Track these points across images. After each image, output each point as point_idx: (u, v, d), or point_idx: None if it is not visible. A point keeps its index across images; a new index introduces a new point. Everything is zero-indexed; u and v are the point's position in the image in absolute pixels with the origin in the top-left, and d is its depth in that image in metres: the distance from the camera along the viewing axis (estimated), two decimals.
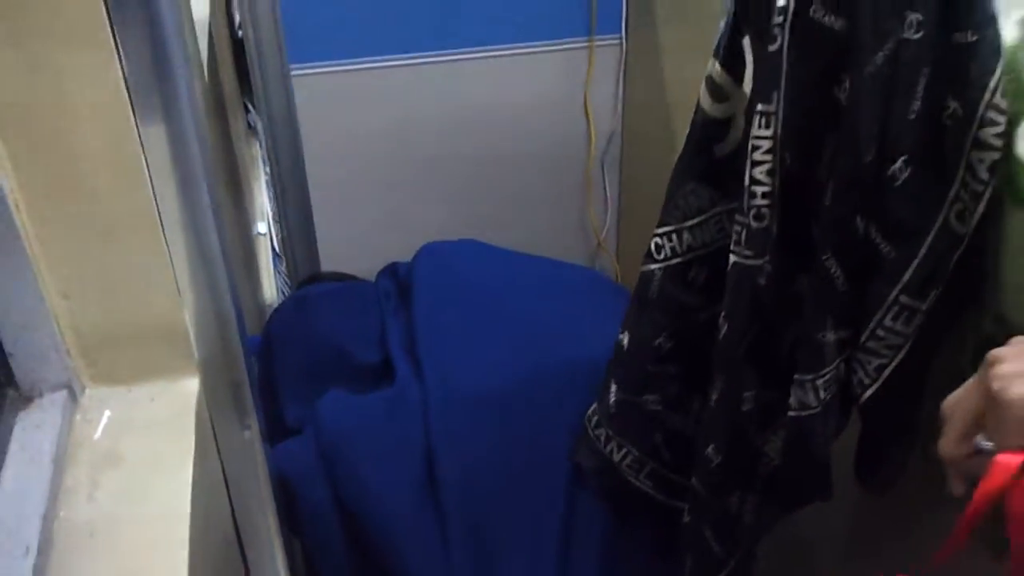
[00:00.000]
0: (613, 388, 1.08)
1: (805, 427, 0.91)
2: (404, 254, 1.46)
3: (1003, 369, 0.56)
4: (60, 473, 0.70)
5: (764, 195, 0.84)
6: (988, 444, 0.59)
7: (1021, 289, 0.74)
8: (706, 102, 0.91)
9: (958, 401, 0.61)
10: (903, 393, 0.88)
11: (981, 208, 0.73)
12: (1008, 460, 0.55)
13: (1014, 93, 0.71)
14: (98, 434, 0.75)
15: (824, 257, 0.83)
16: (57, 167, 0.70)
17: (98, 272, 0.74)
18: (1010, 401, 0.55)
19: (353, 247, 2.19)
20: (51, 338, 0.74)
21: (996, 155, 0.72)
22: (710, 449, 1.01)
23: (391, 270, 1.47)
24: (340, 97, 2.18)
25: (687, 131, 0.96)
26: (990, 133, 0.71)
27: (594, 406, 1.11)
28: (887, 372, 0.85)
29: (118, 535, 0.67)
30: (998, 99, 0.70)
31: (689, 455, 1.05)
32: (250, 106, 2.03)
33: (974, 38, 0.71)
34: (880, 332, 0.83)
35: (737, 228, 0.88)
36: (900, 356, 0.83)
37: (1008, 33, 0.71)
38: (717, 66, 0.89)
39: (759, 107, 0.82)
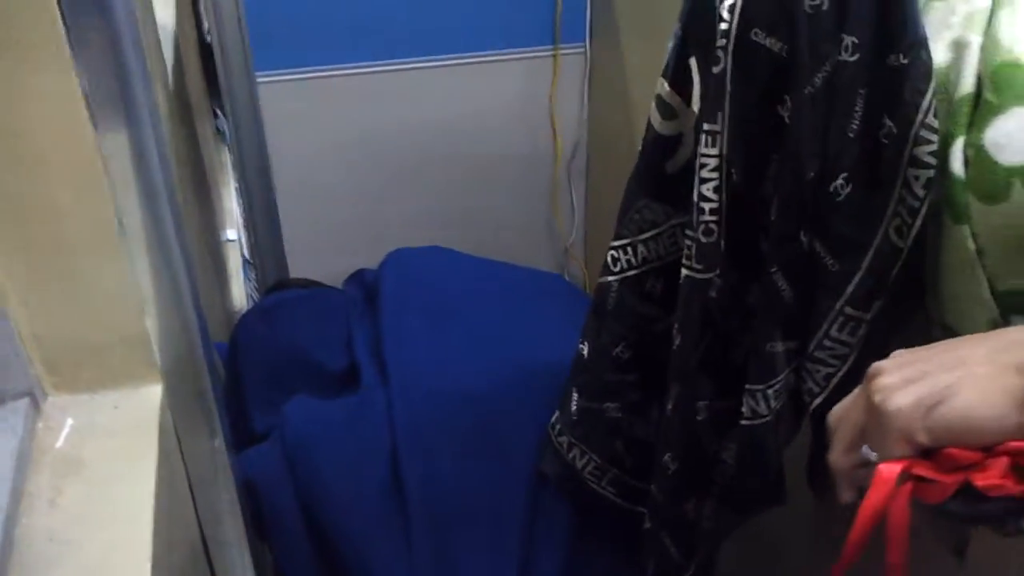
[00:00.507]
0: (575, 396, 1.10)
1: (757, 435, 0.93)
2: (372, 261, 1.47)
3: (883, 381, 0.58)
4: (22, 480, 0.70)
5: (712, 211, 0.86)
6: (873, 455, 0.60)
7: (960, 299, 0.76)
8: (656, 120, 0.93)
9: (844, 412, 0.63)
10: None
11: (918, 223, 0.76)
12: (889, 469, 0.57)
13: (946, 113, 0.72)
14: (60, 441, 0.76)
15: (772, 270, 0.85)
16: (13, 178, 0.70)
17: (58, 280, 0.75)
18: (890, 412, 0.56)
19: (321, 254, 2.20)
20: (11, 346, 0.74)
21: (930, 172, 0.74)
22: (667, 457, 1.02)
23: (358, 277, 1.48)
24: (307, 104, 2.18)
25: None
26: (924, 151, 0.73)
27: (556, 414, 1.13)
28: (835, 380, 0.87)
29: (80, 541, 0.67)
30: (930, 119, 0.72)
31: (650, 461, 1.07)
32: (219, 112, 2.03)
33: (905, 61, 0.73)
34: (827, 342, 0.85)
35: (688, 243, 0.90)
36: (847, 365, 0.85)
37: (940, 56, 0.73)
38: (666, 86, 0.91)
39: (705, 126, 0.84)
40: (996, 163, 0.68)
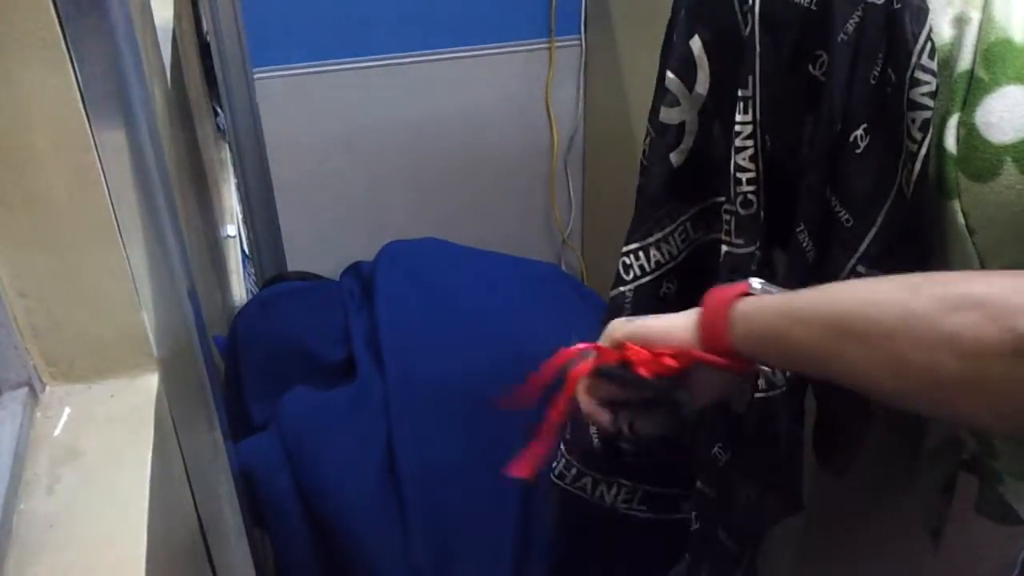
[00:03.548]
0: (592, 429, 1.06)
1: (771, 406, 0.91)
2: (369, 253, 1.48)
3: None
4: (20, 467, 0.72)
5: (749, 181, 0.84)
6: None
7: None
8: (658, 109, 0.92)
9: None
10: None
11: (918, 168, 0.74)
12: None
13: (946, 90, 0.72)
14: (58, 430, 0.77)
15: (799, 228, 0.83)
16: (10, 173, 0.72)
17: (55, 272, 0.76)
18: (607, 328, 0.78)
19: (319, 247, 2.21)
20: (9, 337, 0.76)
21: (927, 113, 0.73)
22: (716, 450, 1.00)
23: (355, 269, 1.49)
24: (304, 100, 2.19)
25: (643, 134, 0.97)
26: (919, 92, 0.73)
27: (561, 462, 1.10)
28: None
29: (77, 527, 0.69)
30: (925, 60, 0.72)
31: (677, 461, 1.04)
32: (219, 109, 2.04)
33: (898, 5, 0.73)
34: None
35: (726, 218, 0.88)
36: None
37: (943, 32, 0.73)
38: (668, 73, 0.90)
39: (739, 93, 0.82)
40: (987, 141, 0.69)
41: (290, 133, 2.18)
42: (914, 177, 0.75)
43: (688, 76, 0.89)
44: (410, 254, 1.44)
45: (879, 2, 0.74)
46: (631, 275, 0.99)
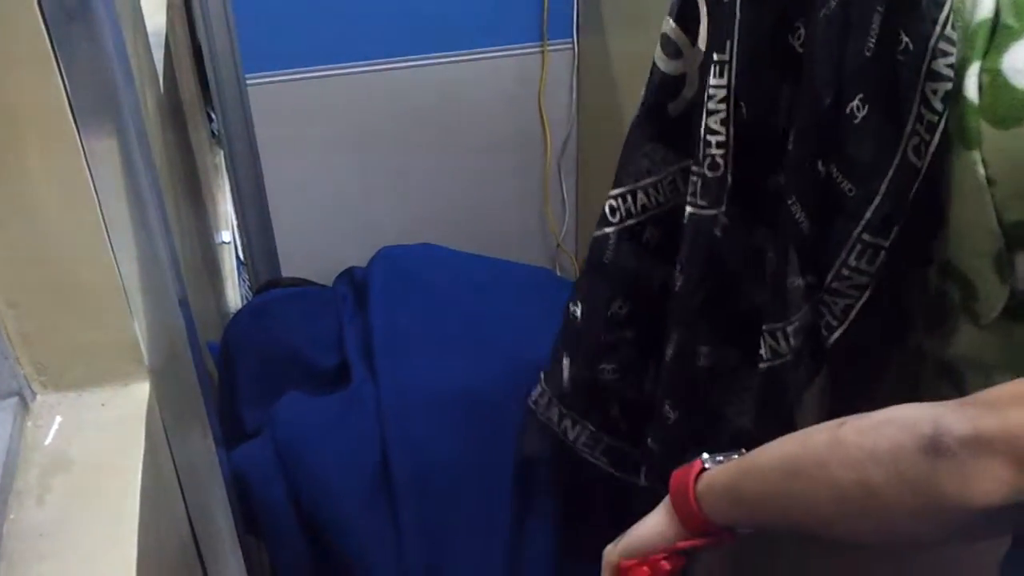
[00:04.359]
0: (566, 363, 1.07)
1: (778, 377, 0.91)
2: (363, 259, 1.48)
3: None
4: (11, 477, 0.72)
5: (719, 144, 0.84)
6: None
7: (968, 228, 0.76)
8: (660, 59, 0.91)
9: None
10: (871, 334, 0.89)
11: (936, 140, 0.74)
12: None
13: (961, 39, 0.71)
14: (49, 439, 0.77)
15: (789, 202, 0.83)
16: (0, 183, 0.71)
17: (45, 281, 0.76)
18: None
19: (313, 253, 2.21)
20: (0, 346, 0.76)
21: (948, 85, 0.72)
22: (666, 406, 1.00)
23: (348, 275, 1.49)
24: (297, 105, 2.19)
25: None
26: (942, 64, 0.72)
27: (538, 390, 1.12)
28: (854, 312, 0.86)
29: (68, 536, 0.69)
30: (948, 31, 0.71)
31: (645, 424, 1.04)
32: (213, 115, 2.04)
33: None
34: (845, 271, 0.84)
35: (693, 179, 0.88)
36: (866, 295, 0.84)
37: None
38: (671, 23, 0.89)
39: (714, 56, 0.82)
40: (1014, 87, 0.68)
41: (283, 138, 2.18)
42: (932, 148, 0.75)
43: (692, 29, 0.88)
44: (403, 259, 1.44)
45: None
46: (617, 217, 0.98)
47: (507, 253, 1.65)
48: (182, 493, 0.92)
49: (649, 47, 0.94)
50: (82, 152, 0.72)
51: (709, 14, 0.84)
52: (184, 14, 1.96)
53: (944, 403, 0.54)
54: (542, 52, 2.28)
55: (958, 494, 0.50)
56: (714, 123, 0.84)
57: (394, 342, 1.28)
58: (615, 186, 0.98)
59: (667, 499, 0.73)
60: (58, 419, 0.79)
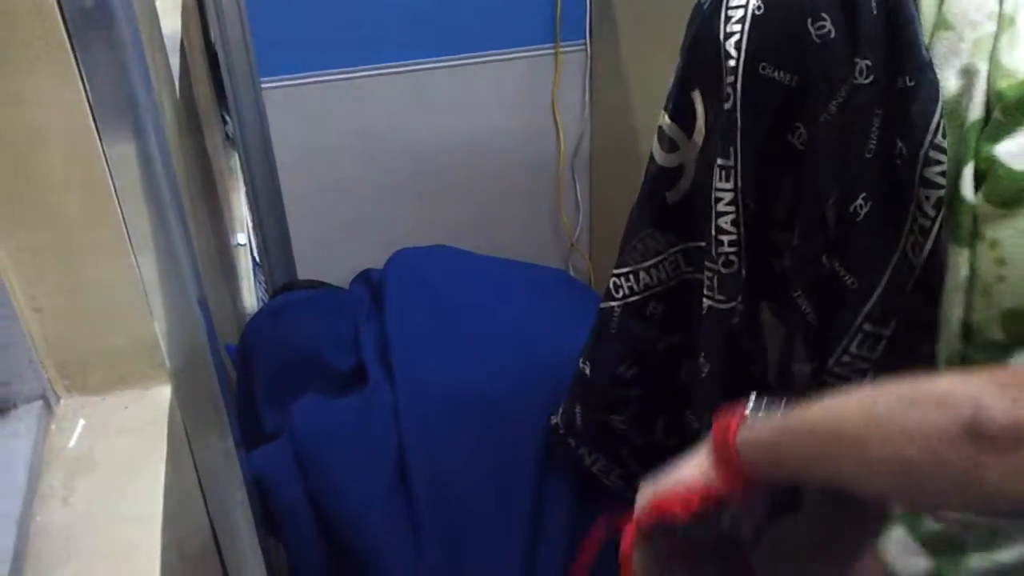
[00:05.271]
0: (578, 409, 1.11)
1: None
2: (378, 261, 1.49)
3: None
4: (35, 480, 0.73)
5: (731, 243, 0.87)
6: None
7: (952, 325, 0.77)
8: (658, 153, 0.94)
9: None
10: None
11: (930, 243, 0.76)
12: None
13: (957, 139, 0.73)
14: (73, 442, 0.78)
15: (796, 294, 0.86)
16: (23, 190, 0.72)
17: (68, 286, 0.77)
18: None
19: (328, 255, 2.22)
20: (24, 351, 0.76)
21: (940, 192, 0.74)
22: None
23: (364, 277, 1.50)
24: (312, 108, 2.21)
25: (650, 143, 0.97)
26: (934, 172, 0.74)
27: (557, 418, 1.15)
28: None
29: (92, 538, 0.70)
30: (939, 139, 0.73)
31: (656, 464, 1.07)
32: (228, 118, 2.05)
33: (912, 83, 0.73)
34: (846, 358, 0.86)
35: (708, 275, 0.91)
36: (866, 380, 0.86)
37: (950, 84, 0.73)
38: (667, 119, 0.91)
39: (719, 161, 0.84)
40: (1012, 169, 0.69)
41: (298, 141, 2.19)
42: (925, 252, 0.77)
43: (687, 124, 0.90)
44: (419, 261, 1.45)
45: (866, 82, 0.75)
46: (621, 293, 1.02)
47: (521, 254, 1.65)
48: (203, 495, 0.92)
49: (662, 48, 0.95)
50: (103, 157, 0.73)
51: (710, 123, 0.86)
52: (199, 17, 1.97)
53: (981, 377, 0.53)
54: (555, 54, 2.28)
55: (1001, 484, 0.50)
56: (725, 223, 0.87)
57: (410, 344, 1.29)
58: (618, 266, 1.02)
59: (705, 447, 0.73)
60: (81, 422, 0.80)
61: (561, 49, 2.27)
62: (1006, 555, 0.78)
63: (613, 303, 1.03)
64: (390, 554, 1.13)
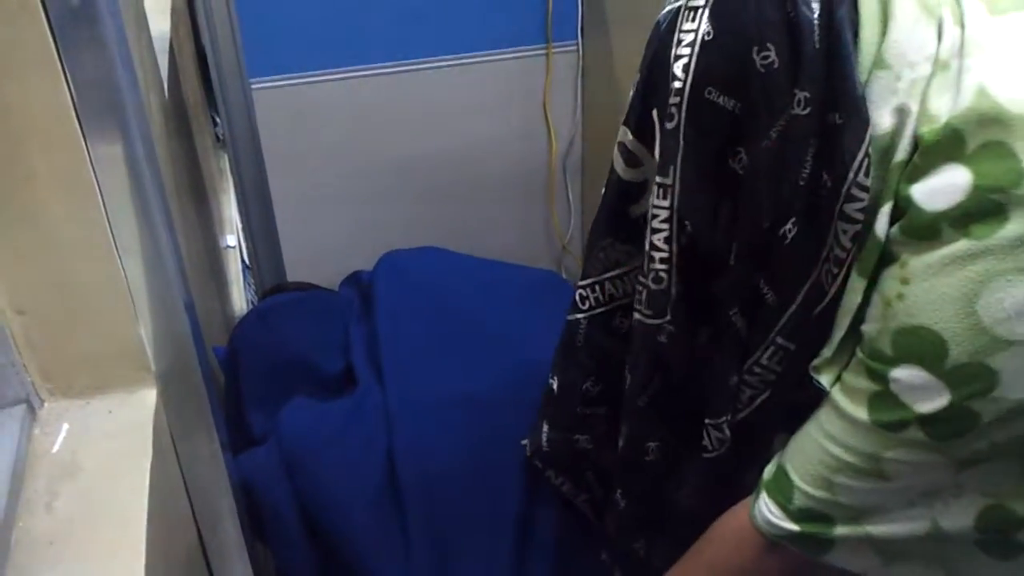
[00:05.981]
0: (545, 427, 1.11)
1: (723, 462, 0.95)
2: (368, 263, 1.48)
3: None
4: (18, 485, 0.72)
5: (662, 260, 0.87)
6: None
7: (834, 344, 0.81)
8: (619, 166, 0.93)
9: None
10: (764, 423, 0.93)
11: (843, 273, 0.79)
12: None
13: (883, 176, 0.75)
14: (56, 447, 0.77)
15: (731, 312, 0.87)
16: (6, 189, 0.71)
17: (52, 289, 0.76)
18: None
19: (318, 257, 2.21)
20: (7, 354, 0.75)
21: (857, 227, 0.76)
22: (618, 494, 1.05)
23: (354, 279, 1.49)
24: (301, 109, 2.20)
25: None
26: (853, 208, 0.76)
27: (526, 440, 1.15)
28: (757, 402, 0.90)
29: (76, 543, 0.69)
30: (861, 178, 0.74)
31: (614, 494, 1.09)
32: (217, 119, 2.04)
33: (841, 121, 0.74)
34: (757, 369, 0.88)
35: (639, 288, 0.92)
36: (769, 391, 0.89)
37: (885, 122, 0.74)
38: (629, 134, 0.91)
39: (657, 179, 0.85)
40: (924, 210, 0.71)
41: (288, 142, 2.18)
42: (838, 281, 0.80)
43: (649, 141, 0.90)
44: (409, 263, 1.44)
45: (803, 113, 0.76)
46: (587, 305, 1.02)
47: (513, 255, 1.65)
48: (189, 499, 0.92)
49: None
50: (88, 157, 0.72)
51: (658, 134, 0.87)
52: (188, 18, 1.96)
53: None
54: (547, 54, 2.28)
55: None
56: (658, 240, 0.87)
57: (399, 347, 1.28)
58: (583, 277, 1.02)
59: None
60: (65, 426, 0.79)
61: (553, 50, 2.27)
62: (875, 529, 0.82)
63: (579, 315, 1.03)
64: (379, 558, 1.13)
